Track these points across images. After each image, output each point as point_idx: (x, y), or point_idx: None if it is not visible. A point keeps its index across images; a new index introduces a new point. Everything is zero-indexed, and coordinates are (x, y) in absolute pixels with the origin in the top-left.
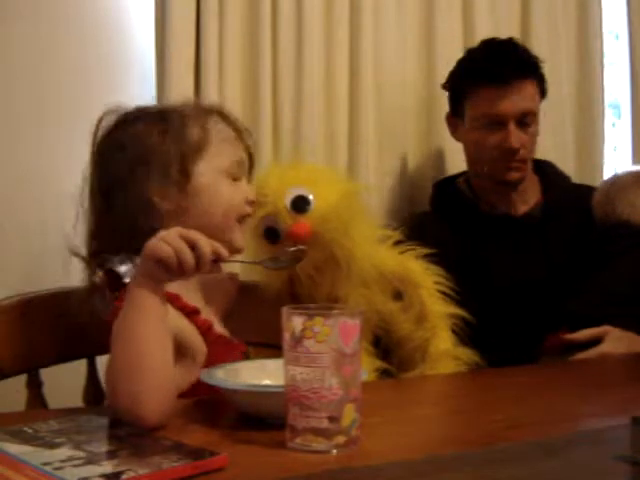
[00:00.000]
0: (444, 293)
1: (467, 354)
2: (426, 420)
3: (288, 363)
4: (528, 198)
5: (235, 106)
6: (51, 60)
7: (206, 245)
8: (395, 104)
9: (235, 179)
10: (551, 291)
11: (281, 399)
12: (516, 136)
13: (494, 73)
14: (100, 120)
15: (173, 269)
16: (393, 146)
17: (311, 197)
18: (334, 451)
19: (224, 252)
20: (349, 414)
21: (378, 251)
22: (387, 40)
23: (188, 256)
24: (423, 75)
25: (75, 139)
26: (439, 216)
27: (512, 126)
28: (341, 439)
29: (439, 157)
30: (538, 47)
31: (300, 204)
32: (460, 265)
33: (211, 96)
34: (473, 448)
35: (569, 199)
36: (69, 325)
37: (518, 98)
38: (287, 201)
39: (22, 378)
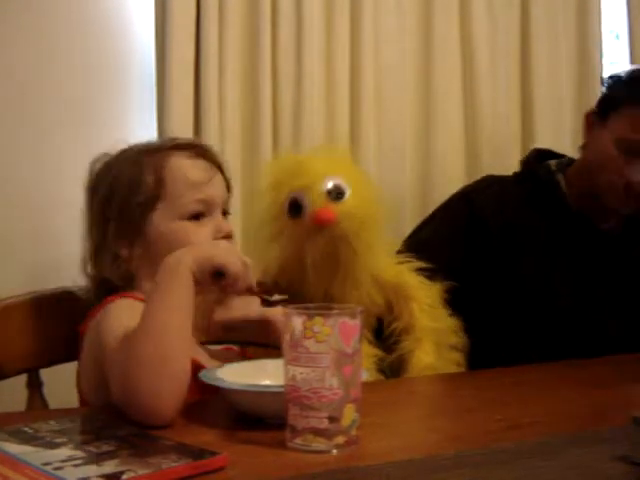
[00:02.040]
0: (452, 306)
1: (450, 368)
2: (426, 420)
3: (288, 363)
4: (614, 219)
5: (235, 106)
6: (51, 60)
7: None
8: (395, 104)
9: (200, 217)
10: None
11: (281, 399)
12: None
13: None
14: (90, 167)
15: (227, 284)
16: (393, 146)
17: (348, 192)
18: (334, 451)
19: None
20: (349, 414)
21: (379, 261)
22: (387, 40)
23: (248, 279)
24: (422, 76)
25: (75, 139)
26: (524, 190)
27: None
28: (341, 439)
29: (439, 157)
30: (538, 47)
31: (337, 192)
32: (529, 251)
33: (211, 96)
34: (473, 448)
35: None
36: (70, 325)
37: None
38: (325, 185)
39: (22, 378)
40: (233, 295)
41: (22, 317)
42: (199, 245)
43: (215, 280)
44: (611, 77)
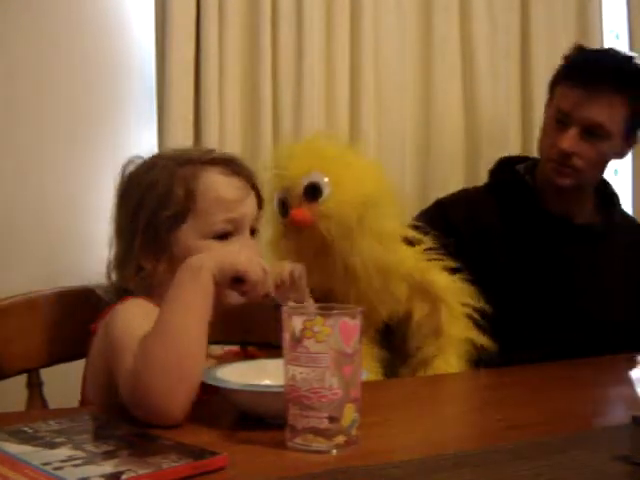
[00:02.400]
0: (471, 317)
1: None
2: (426, 420)
3: (288, 363)
4: (586, 213)
5: (235, 106)
6: (51, 60)
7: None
8: (395, 104)
9: (227, 237)
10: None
11: (281, 399)
12: (571, 141)
13: (585, 72)
14: (122, 169)
15: (247, 292)
16: (393, 146)
17: (326, 190)
18: (334, 451)
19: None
20: (349, 414)
21: (398, 251)
22: (387, 41)
23: (267, 286)
24: (422, 75)
25: (75, 139)
26: (494, 198)
27: (573, 131)
28: (341, 439)
29: (439, 157)
30: (538, 47)
31: (312, 192)
32: (504, 255)
33: (211, 96)
34: (473, 448)
35: (623, 225)
36: (70, 325)
37: (594, 106)
38: (302, 184)
39: (22, 378)
40: (250, 301)
41: (22, 317)
42: (221, 252)
43: (234, 286)
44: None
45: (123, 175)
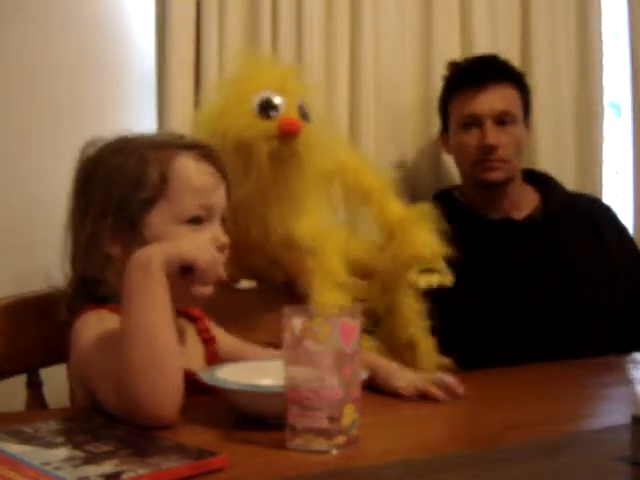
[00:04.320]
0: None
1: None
2: (426, 420)
3: (288, 363)
4: (523, 205)
5: None
6: (50, 60)
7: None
8: (395, 104)
9: (199, 223)
10: (559, 291)
11: (281, 399)
12: (493, 134)
13: (470, 76)
14: (82, 151)
15: (198, 280)
16: (393, 145)
17: (310, 118)
18: (334, 451)
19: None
20: (349, 414)
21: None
22: (387, 40)
23: (217, 271)
24: (422, 75)
25: (75, 139)
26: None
27: (489, 125)
28: (341, 439)
29: (438, 156)
30: (538, 47)
31: (303, 112)
32: (460, 271)
33: (211, 96)
34: (473, 448)
35: (571, 206)
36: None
37: (494, 98)
38: (298, 100)
39: (22, 378)
40: (201, 287)
41: (22, 316)
42: (166, 242)
43: (184, 274)
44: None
45: (84, 158)
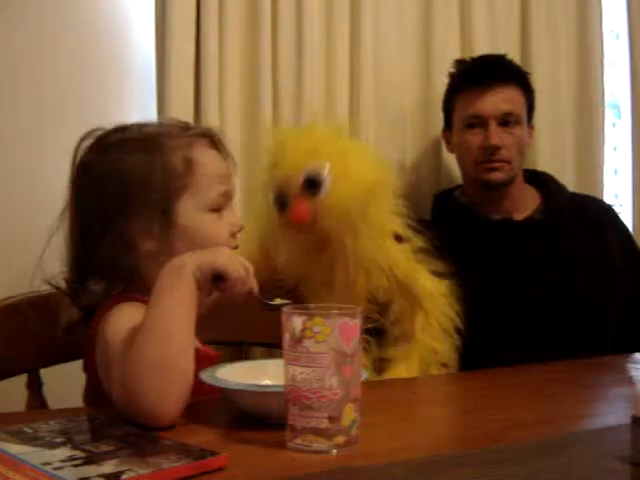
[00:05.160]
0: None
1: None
2: (426, 420)
3: (288, 363)
4: (524, 206)
5: (235, 106)
6: (51, 60)
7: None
8: (395, 104)
9: (219, 210)
10: (559, 292)
11: (281, 399)
12: (496, 135)
13: (476, 76)
14: (79, 144)
15: (229, 289)
16: (393, 145)
17: (327, 182)
18: (334, 451)
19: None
20: (349, 414)
21: (387, 247)
22: (387, 41)
23: (247, 286)
24: (422, 75)
25: (75, 139)
26: (439, 225)
27: (493, 125)
28: (341, 439)
29: (438, 156)
30: (538, 47)
31: (312, 185)
32: (462, 272)
33: (211, 96)
34: (473, 448)
35: (572, 206)
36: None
37: (499, 99)
38: (301, 177)
39: (22, 378)
40: (233, 298)
41: (22, 316)
42: (202, 251)
43: (216, 284)
44: (444, 94)
45: (82, 150)
